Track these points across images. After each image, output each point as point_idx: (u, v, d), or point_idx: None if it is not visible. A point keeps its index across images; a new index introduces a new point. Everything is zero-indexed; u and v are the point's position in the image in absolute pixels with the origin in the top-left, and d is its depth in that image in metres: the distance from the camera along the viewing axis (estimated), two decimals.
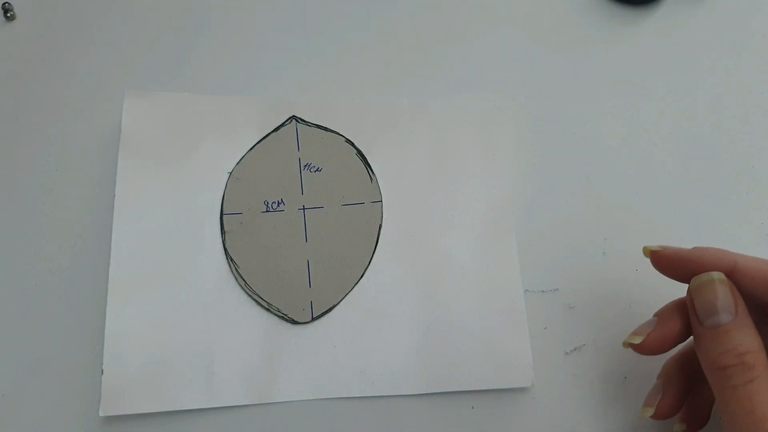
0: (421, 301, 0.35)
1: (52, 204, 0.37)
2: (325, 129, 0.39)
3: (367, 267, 0.36)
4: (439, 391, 0.33)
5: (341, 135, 0.38)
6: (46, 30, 0.42)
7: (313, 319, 0.34)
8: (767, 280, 0.27)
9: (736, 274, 0.27)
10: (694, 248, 0.29)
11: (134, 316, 0.34)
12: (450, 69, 0.42)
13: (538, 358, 0.34)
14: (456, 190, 0.38)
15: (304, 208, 0.36)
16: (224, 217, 0.36)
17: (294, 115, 0.39)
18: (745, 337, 0.26)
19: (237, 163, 0.37)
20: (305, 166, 0.38)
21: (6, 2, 0.42)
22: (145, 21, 0.42)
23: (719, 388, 0.26)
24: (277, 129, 0.38)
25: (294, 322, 0.34)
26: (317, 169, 0.37)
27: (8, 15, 0.42)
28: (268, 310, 0.34)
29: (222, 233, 0.36)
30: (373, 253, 0.36)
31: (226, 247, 0.36)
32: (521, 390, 0.33)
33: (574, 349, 0.34)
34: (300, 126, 0.38)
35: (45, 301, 0.35)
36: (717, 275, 0.27)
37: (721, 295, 0.26)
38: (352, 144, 0.38)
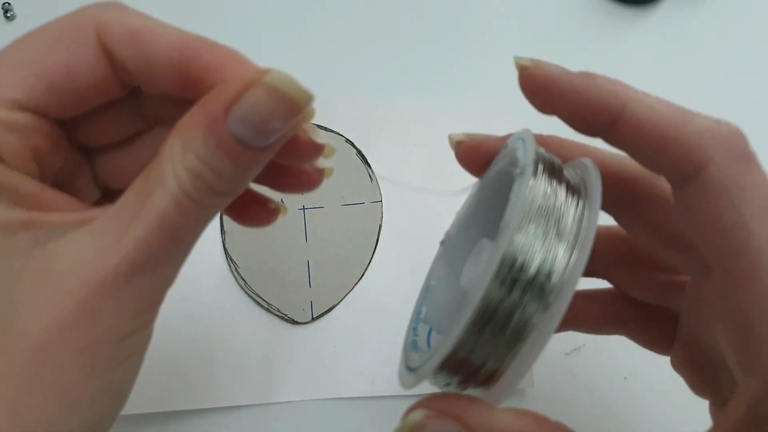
0: None
1: None
2: (325, 129, 0.39)
3: (367, 267, 0.36)
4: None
5: (341, 135, 0.38)
6: None
7: (313, 319, 0.34)
8: (662, 145, 0.19)
9: (622, 123, 0.20)
10: (578, 73, 0.21)
11: None
12: (450, 69, 0.42)
13: (538, 358, 0.34)
14: (456, 189, 0.37)
15: (304, 208, 0.36)
16: (224, 216, 0.36)
17: None
18: None
19: None
20: None
21: (6, 2, 0.42)
22: None
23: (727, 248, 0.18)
24: None
25: (294, 322, 0.34)
26: None
27: (8, 15, 0.42)
28: (268, 310, 0.34)
29: (222, 233, 0.36)
30: (373, 253, 0.36)
31: (226, 247, 0.35)
32: (521, 391, 0.33)
33: (574, 350, 0.34)
34: None
35: None
36: (417, 416, 0.19)
37: None
38: (352, 144, 0.38)
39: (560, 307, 0.17)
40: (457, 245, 0.25)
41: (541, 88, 0.21)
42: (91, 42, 0.19)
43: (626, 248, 0.25)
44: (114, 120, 0.22)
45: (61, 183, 0.21)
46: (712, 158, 0.18)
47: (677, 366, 0.25)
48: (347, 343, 0.34)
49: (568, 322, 0.22)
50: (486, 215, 0.24)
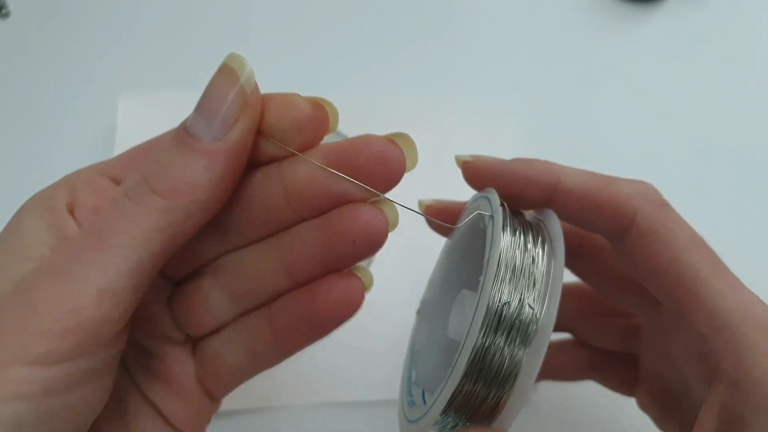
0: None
1: None
2: None
3: (367, 267, 0.35)
4: None
5: (341, 135, 0.38)
6: (41, 28, 0.42)
7: None
8: (596, 205, 0.22)
9: (559, 194, 0.23)
10: (513, 160, 0.24)
11: None
12: (451, 68, 0.41)
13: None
14: (456, 189, 0.37)
15: None
16: None
17: None
18: None
19: None
20: None
21: None
22: (141, 20, 0.42)
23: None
24: None
25: None
26: None
27: (2, 12, 0.41)
28: None
29: None
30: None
31: None
32: None
33: None
34: None
35: None
36: None
37: None
38: None
39: (543, 340, 0.19)
40: (435, 307, 0.27)
41: (484, 177, 0.23)
42: None
43: (583, 300, 0.28)
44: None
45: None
46: (639, 209, 0.22)
47: (643, 404, 0.27)
48: (346, 346, 0.34)
49: (540, 374, 0.24)
50: (459, 270, 0.26)
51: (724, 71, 0.42)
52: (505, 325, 0.19)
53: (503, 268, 0.20)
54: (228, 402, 0.32)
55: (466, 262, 0.26)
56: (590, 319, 0.28)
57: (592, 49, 0.42)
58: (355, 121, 0.39)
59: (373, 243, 0.19)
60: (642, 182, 0.23)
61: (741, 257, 0.35)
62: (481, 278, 0.20)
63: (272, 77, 0.41)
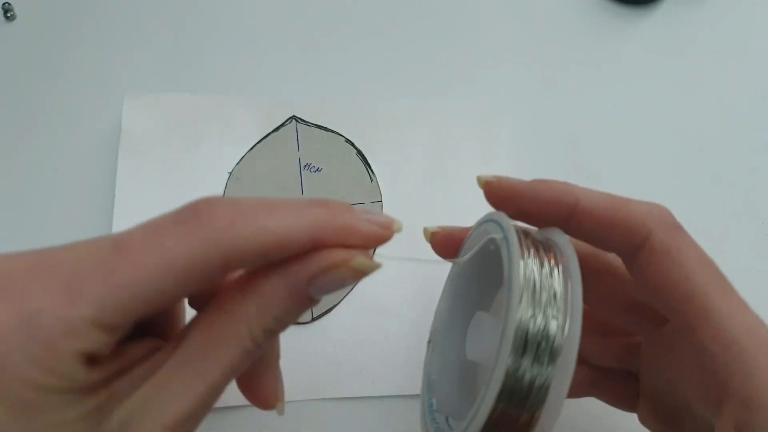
0: (421, 300, 0.35)
1: (52, 204, 0.37)
2: (325, 129, 0.39)
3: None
4: None
5: (341, 135, 0.38)
6: (46, 30, 0.42)
7: (313, 319, 0.34)
8: (612, 223, 0.23)
9: (577, 214, 0.24)
10: (533, 181, 0.25)
11: None
12: (449, 69, 0.42)
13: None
14: (455, 190, 0.38)
15: None
16: None
17: (294, 115, 0.39)
18: None
19: (237, 163, 0.37)
20: (305, 166, 0.38)
21: (6, 2, 0.42)
22: (145, 21, 0.42)
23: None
24: (277, 129, 0.38)
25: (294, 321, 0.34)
26: (317, 169, 0.37)
27: (8, 15, 0.42)
28: None
29: None
30: (373, 253, 0.36)
31: None
32: None
33: None
34: (300, 126, 0.38)
35: None
36: None
37: None
38: (352, 144, 0.38)
39: (571, 353, 0.20)
40: (447, 333, 0.28)
41: (507, 198, 0.25)
42: None
43: (584, 320, 0.28)
44: None
45: None
46: (652, 230, 0.23)
47: (644, 420, 0.27)
48: (347, 343, 0.34)
49: None
50: (468, 294, 0.27)
51: (720, 73, 0.42)
52: (533, 343, 0.20)
53: (524, 287, 0.20)
54: (228, 398, 0.33)
55: (474, 285, 0.27)
56: (590, 338, 0.29)
57: (587, 52, 0.43)
58: (352, 125, 0.40)
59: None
60: (657, 205, 0.24)
61: (734, 255, 0.35)
62: (506, 299, 0.21)
63: (273, 78, 0.41)
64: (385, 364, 0.34)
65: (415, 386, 0.33)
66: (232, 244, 0.18)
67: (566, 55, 0.42)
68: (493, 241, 0.23)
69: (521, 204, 0.24)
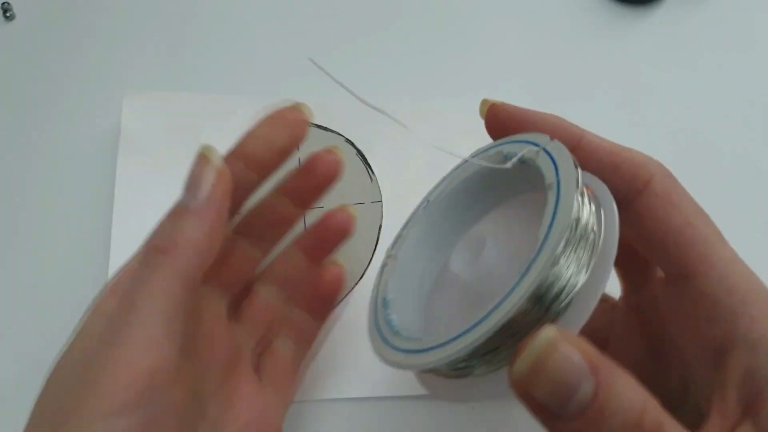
0: None
1: (51, 204, 0.37)
2: (325, 129, 0.38)
3: (367, 267, 0.36)
4: None
5: (341, 135, 0.38)
6: (46, 30, 0.42)
7: None
8: (615, 164, 0.23)
9: (581, 150, 0.23)
10: (538, 111, 0.24)
11: None
12: (450, 69, 0.42)
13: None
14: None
15: None
16: None
17: None
18: (627, 395, 0.16)
19: None
20: None
21: (5, 2, 0.42)
22: (145, 20, 0.42)
23: None
24: None
25: None
26: None
27: (7, 15, 0.42)
28: None
29: None
30: (373, 253, 0.36)
31: None
32: None
33: None
34: None
35: (44, 302, 0.35)
36: (547, 336, 0.16)
37: (572, 361, 0.16)
38: (352, 144, 0.38)
39: (611, 251, 0.19)
40: (412, 258, 0.27)
41: (510, 124, 0.24)
42: None
43: None
44: None
45: None
46: (654, 174, 0.23)
47: None
48: (347, 343, 0.34)
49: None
50: (446, 220, 0.27)
51: (722, 72, 0.42)
52: (577, 238, 0.19)
53: (568, 236, 0.19)
54: None
55: (457, 209, 0.27)
56: None
57: (588, 51, 0.42)
58: (352, 125, 0.39)
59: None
60: (653, 157, 0.24)
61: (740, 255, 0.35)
62: (552, 197, 0.20)
63: (273, 78, 0.41)
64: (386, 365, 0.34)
65: (415, 387, 0.33)
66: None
67: (565, 54, 0.42)
68: (550, 181, 0.21)
69: (522, 129, 0.24)
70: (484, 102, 0.25)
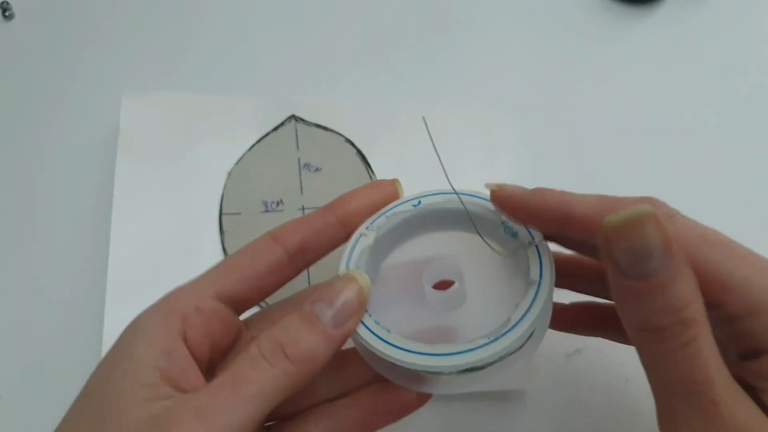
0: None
1: (50, 204, 0.37)
2: (325, 129, 0.38)
3: None
4: None
5: (341, 135, 0.38)
6: (45, 29, 0.42)
7: None
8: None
9: (571, 222, 0.24)
10: (533, 190, 0.25)
11: (133, 316, 0.34)
12: (450, 69, 0.42)
13: (539, 360, 0.34)
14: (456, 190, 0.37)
15: (303, 208, 0.36)
16: (223, 217, 0.36)
17: (293, 115, 0.38)
18: (682, 285, 0.19)
19: (236, 163, 0.37)
20: (304, 165, 0.37)
21: (4, 1, 0.42)
22: (144, 20, 0.42)
23: (649, 354, 0.21)
24: (276, 128, 0.38)
25: None
26: (316, 169, 0.37)
27: (6, 14, 0.42)
28: None
29: (221, 233, 0.36)
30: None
31: (225, 247, 0.35)
32: (523, 392, 0.33)
33: (575, 351, 0.34)
34: (299, 125, 0.38)
35: (43, 302, 0.35)
36: (645, 209, 0.19)
37: (653, 235, 0.19)
38: (352, 144, 0.38)
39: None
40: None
41: (510, 205, 0.26)
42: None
43: (583, 268, 0.30)
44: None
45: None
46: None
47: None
48: (347, 343, 0.34)
49: (559, 324, 0.29)
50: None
51: (723, 72, 0.42)
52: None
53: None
54: None
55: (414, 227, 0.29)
56: (591, 281, 0.29)
57: (590, 51, 0.42)
58: (352, 125, 0.39)
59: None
60: (647, 198, 0.24)
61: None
62: (532, 291, 0.24)
63: (272, 77, 0.41)
64: None
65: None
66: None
67: (568, 54, 0.42)
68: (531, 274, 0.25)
69: (521, 211, 0.26)
70: (487, 186, 0.27)
